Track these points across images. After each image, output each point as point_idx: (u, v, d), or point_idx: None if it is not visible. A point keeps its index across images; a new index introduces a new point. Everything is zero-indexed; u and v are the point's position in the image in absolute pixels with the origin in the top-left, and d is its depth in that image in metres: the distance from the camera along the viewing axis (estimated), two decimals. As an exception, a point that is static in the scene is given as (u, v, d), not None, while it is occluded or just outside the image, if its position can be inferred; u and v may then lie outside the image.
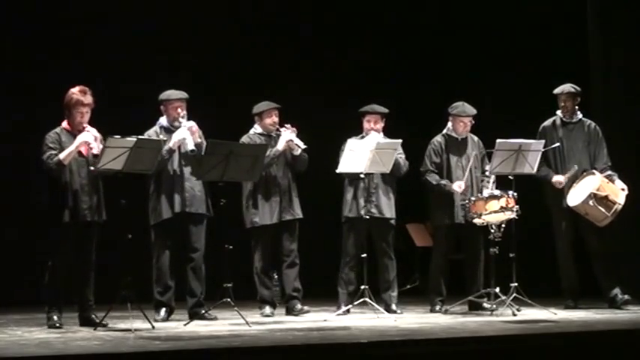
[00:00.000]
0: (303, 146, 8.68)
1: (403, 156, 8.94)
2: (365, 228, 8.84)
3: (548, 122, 9.37)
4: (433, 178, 8.98)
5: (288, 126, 8.72)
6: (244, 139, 8.84)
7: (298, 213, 8.85)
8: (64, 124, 7.88)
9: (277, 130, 8.79)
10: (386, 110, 9.02)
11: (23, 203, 10.20)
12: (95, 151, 7.66)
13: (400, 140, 8.76)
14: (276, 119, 8.86)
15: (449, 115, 9.11)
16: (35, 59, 10.48)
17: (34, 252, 9.47)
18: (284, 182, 8.82)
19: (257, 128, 8.91)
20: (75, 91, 7.84)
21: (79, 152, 7.78)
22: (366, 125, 8.99)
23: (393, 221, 9.00)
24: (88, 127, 7.80)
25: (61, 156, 7.69)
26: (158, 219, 8.38)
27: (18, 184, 10.28)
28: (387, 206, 8.93)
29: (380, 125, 8.97)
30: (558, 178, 9.11)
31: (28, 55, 10.49)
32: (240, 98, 9.96)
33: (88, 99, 7.84)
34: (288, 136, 8.68)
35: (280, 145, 8.70)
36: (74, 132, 7.82)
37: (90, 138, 7.71)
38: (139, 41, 10.81)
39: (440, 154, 9.06)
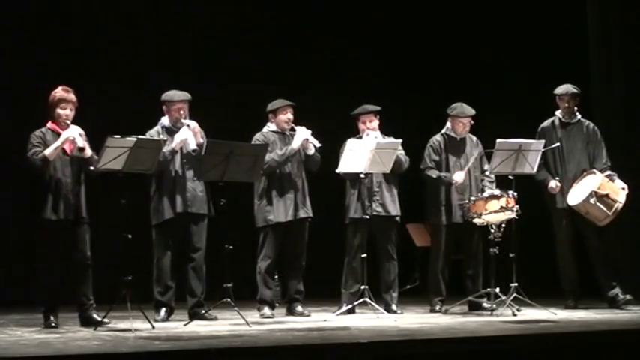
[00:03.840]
0: (318, 145, 8.68)
1: (403, 152, 8.94)
2: (368, 228, 8.84)
3: (547, 123, 9.37)
4: (433, 173, 9.00)
5: (302, 127, 8.72)
6: (258, 136, 8.84)
7: (310, 212, 8.85)
8: (49, 124, 7.90)
9: (291, 129, 8.78)
10: (378, 108, 9.03)
11: (23, 203, 10.20)
12: (80, 144, 7.66)
13: (400, 140, 8.77)
14: (290, 116, 8.85)
15: (448, 116, 9.12)
16: (34, 59, 10.50)
17: (34, 251, 9.47)
18: (298, 180, 8.82)
19: (271, 126, 8.89)
20: (58, 90, 7.89)
21: (64, 150, 7.80)
22: (361, 126, 8.99)
23: (398, 218, 9.02)
24: (72, 126, 7.81)
25: (47, 152, 7.71)
26: (160, 219, 8.38)
27: (18, 183, 10.29)
28: (392, 204, 8.94)
29: (375, 123, 8.98)
30: (553, 184, 9.11)
31: (28, 55, 10.51)
32: (247, 96, 10.01)
33: (71, 96, 7.87)
34: (304, 134, 8.68)
35: (296, 144, 8.69)
36: (58, 131, 7.84)
37: (74, 133, 7.73)
38: (141, 39, 10.83)
39: (439, 152, 9.07)
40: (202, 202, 8.42)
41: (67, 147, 7.80)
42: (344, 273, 8.98)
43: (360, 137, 8.91)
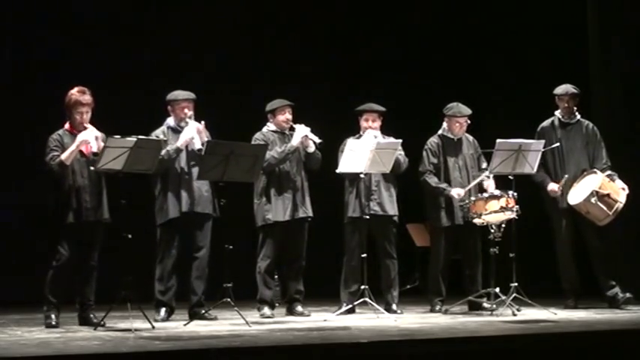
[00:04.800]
0: (319, 141, 8.67)
1: (402, 153, 8.94)
2: (367, 227, 8.84)
3: (546, 123, 9.37)
4: (432, 180, 8.98)
5: (301, 125, 8.72)
6: (257, 136, 8.83)
7: (310, 211, 8.84)
8: (66, 125, 7.92)
9: (291, 127, 8.78)
10: (383, 109, 9.03)
11: (24, 203, 10.20)
12: (94, 149, 7.68)
13: (400, 140, 8.77)
14: (289, 116, 8.84)
15: (444, 116, 9.12)
16: (38, 59, 10.51)
17: (34, 252, 9.48)
18: (297, 179, 8.80)
19: (270, 126, 8.89)
20: (73, 92, 7.88)
21: (81, 152, 7.81)
22: (363, 124, 8.99)
23: (395, 218, 9.01)
24: (89, 127, 7.82)
25: (63, 156, 7.72)
26: (165, 218, 8.39)
27: (19, 184, 10.29)
28: (390, 203, 8.94)
29: (377, 124, 8.97)
30: (553, 187, 9.11)
31: (31, 56, 10.52)
32: (248, 96, 10.01)
33: (87, 98, 7.87)
34: (303, 131, 8.66)
35: (295, 141, 8.67)
36: (76, 133, 7.84)
37: (90, 136, 7.73)
38: (142, 41, 10.85)
39: (437, 154, 9.06)
40: (208, 201, 8.43)
41: (83, 149, 7.80)
42: (343, 272, 8.98)
43: (360, 135, 8.91)
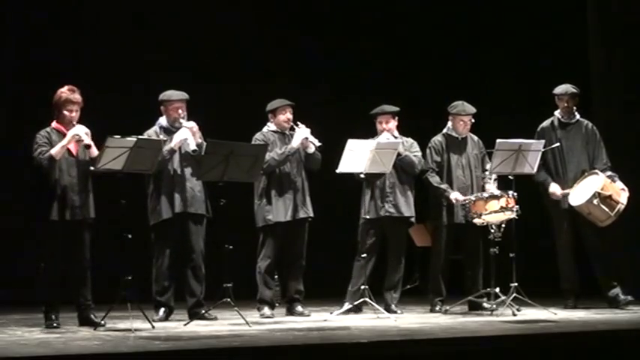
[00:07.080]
0: (318, 144, 8.69)
1: (419, 154, 8.98)
2: (381, 229, 8.86)
3: (546, 123, 9.36)
4: (434, 180, 8.99)
5: (302, 125, 8.73)
6: (258, 136, 8.84)
7: (311, 211, 8.84)
8: (54, 124, 7.92)
9: (291, 128, 8.79)
10: (396, 109, 9.05)
11: (25, 202, 10.20)
12: (86, 141, 7.68)
13: (400, 141, 8.79)
14: (290, 116, 8.84)
15: (449, 114, 9.13)
16: (33, 58, 10.51)
17: (34, 252, 9.48)
18: (298, 180, 8.81)
19: (270, 126, 8.89)
20: (64, 90, 7.90)
21: (69, 151, 7.82)
22: (379, 126, 9.03)
23: (412, 219, 9.03)
24: (78, 125, 7.82)
25: (53, 151, 7.72)
26: (158, 219, 8.37)
27: (17, 184, 10.29)
28: (406, 205, 8.94)
29: (393, 124, 9.01)
30: (555, 190, 9.10)
31: (27, 55, 10.51)
32: (248, 96, 10.01)
33: (77, 97, 7.89)
34: (303, 133, 8.68)
35: (295, 143, 8.68)
36: (64, 131, 7.85)
37: (80, 131, 7.74)
38: (138, 40, 10.84)
39: (440, 153, 9.07)
40: (201, 202, 8.42)
41: (72, 148, 7.81)
42: (353, 272, 8.95)
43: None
